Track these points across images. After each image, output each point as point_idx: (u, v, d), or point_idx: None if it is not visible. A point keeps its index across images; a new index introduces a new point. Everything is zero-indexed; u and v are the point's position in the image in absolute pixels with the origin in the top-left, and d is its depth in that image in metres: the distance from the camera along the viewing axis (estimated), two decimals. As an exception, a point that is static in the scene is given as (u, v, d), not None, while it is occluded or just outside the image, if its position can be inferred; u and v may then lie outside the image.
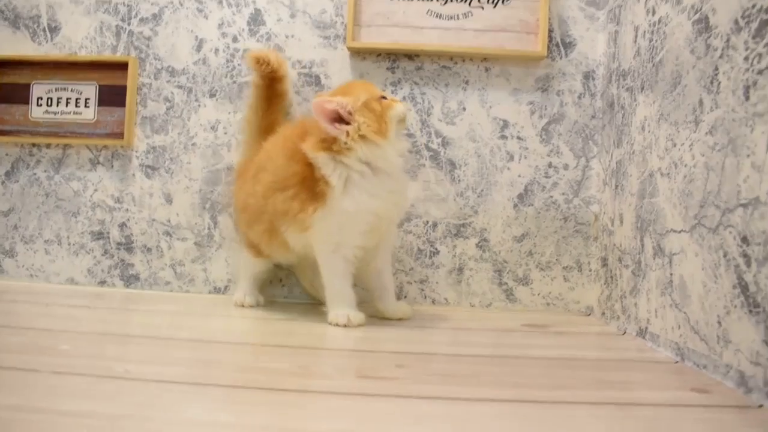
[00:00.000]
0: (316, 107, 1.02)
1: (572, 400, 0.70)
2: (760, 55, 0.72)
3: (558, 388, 0.75)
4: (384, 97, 1.09)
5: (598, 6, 1.33)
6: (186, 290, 1.38)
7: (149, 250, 1.38)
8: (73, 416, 0.57)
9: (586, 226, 1.33)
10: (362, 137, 1.03)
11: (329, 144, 1.04)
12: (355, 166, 1.04)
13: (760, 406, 0.69)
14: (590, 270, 1.33)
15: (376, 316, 1.15)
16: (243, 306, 1.23)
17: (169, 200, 1.37)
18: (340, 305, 1.07)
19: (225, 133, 1.37)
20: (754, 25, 0.74)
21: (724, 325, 0.78)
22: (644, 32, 1.08)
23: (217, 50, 1.37)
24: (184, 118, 1.37)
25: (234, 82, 1.36)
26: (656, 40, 1.02)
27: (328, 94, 1.11)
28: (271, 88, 1.28)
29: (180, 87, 1.38)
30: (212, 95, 1.37)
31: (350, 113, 1.03)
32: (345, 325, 1.05)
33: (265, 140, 1.23)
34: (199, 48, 1.37)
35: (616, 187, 1.19)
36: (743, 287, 0.74)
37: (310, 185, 1.04)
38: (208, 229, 1.37)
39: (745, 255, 0.74)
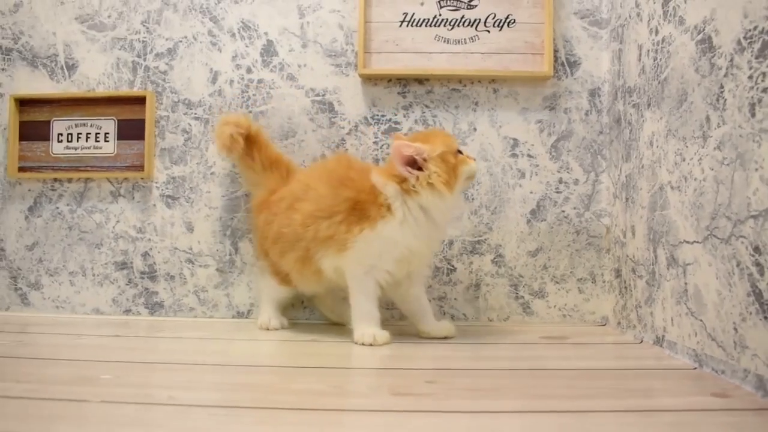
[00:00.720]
0: (395, 150, 1.07)
1: (597, 409, 0.73)
2: (764, 74, 0.76)
3: (582, 398, 0.78)
4: (460, 152, 1.13)
5: (601, 25, 1.37)
6: (210, 316, 1.41)
7: (172, 277, 1.41)
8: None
9: (599, 239, 1.36)
10: (430, 185, 1.08)
11: (400, 179, 1.09)
12: (414, 209, 1.09)
13: (780, 408, 0.72)
14: (604, 281, 1.36)
15: (419, 337, 1.18)
16: (268, 329, 1.26)
17: (190, 228, 1.41)
18: (367, 324, 1.11)
19: (242, 162, 1.40)
20: (757, 46, 0.77)
21: (741, 332, 0.81)
22: (648, 51, 1.12)
23: (232, 81, 1.41)
24: (202, 149, 1.41)
25: (250, 111, 1.40)
26: (660, 59, 1.06)
27: (408, 137, 1.15)
28: (252, 143, 1.31)
29: (197, 118, 1.42)
30: (229, 125, 1.41)
31: (425, 160, 1.08)
32: (371, 344, 1.08)
33: (273, 174, 1.29)
34: (214, 80, 1.41)
35: (627, 200, 1.23)
36: (757, 295, 0.77)
37: (362, 208, 1.10)
38: (230, 255, 1.40)
39: (757, 264, 0.77)
